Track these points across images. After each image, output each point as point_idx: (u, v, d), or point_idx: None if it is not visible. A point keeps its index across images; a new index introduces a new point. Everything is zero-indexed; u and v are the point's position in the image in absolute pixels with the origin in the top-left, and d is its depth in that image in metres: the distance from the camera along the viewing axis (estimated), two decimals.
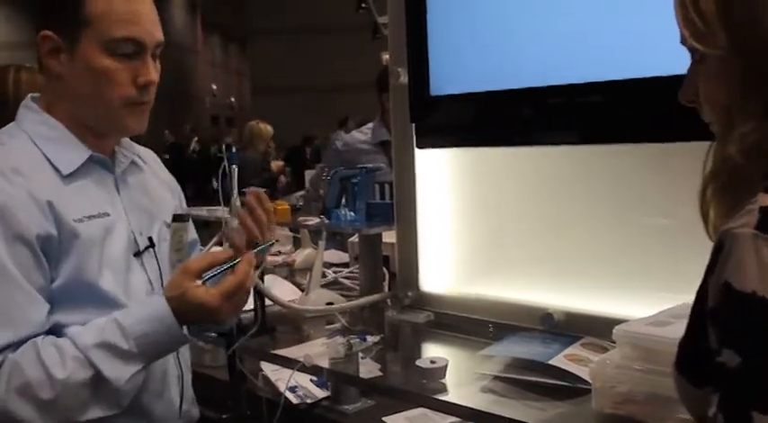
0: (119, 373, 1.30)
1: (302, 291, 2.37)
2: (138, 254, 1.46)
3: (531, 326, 1.81)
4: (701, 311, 0.88)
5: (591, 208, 1.79)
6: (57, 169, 1.38)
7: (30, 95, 1.47)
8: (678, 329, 0.97)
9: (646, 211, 1.68)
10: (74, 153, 1.41)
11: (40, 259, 1.31)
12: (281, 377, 2.00)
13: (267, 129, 7.89)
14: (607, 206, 1.76)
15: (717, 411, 0.82)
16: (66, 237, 1.33)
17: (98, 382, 1.29)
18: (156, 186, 1.59)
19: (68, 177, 1.38)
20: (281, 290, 2.39)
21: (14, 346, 1.28)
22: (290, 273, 2.87)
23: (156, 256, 1.50)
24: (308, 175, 4.13)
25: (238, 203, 2.32)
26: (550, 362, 1.52)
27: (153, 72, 1.41)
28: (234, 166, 2.29)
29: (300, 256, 2.98)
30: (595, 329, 1.65)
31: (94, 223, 1.38)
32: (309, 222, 2.48)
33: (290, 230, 3.22)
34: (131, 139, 1.57)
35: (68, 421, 1.29)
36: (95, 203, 1.40)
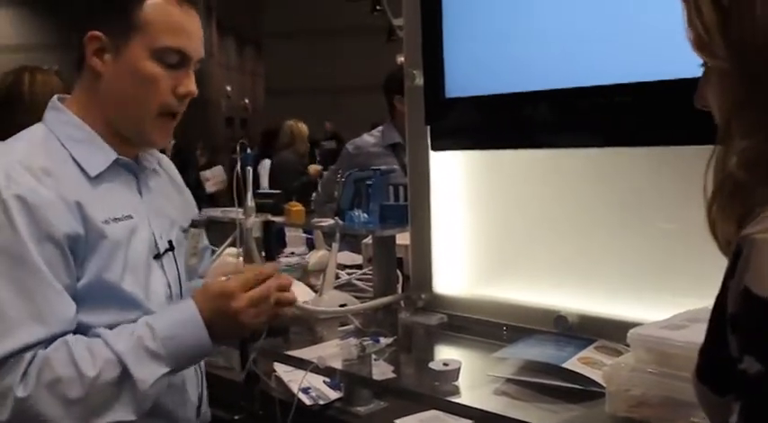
0: (146, 374, 1.32)
1: (316, 292, 2.37)
2: (157, 256, 1.48)
3: (544, 328, 1.80)
4: (720, 318, 0.87)
5: (606, 211, 1.78)
6: (84, 171, 1.39)
7: (56, 96, 1.48)
8: (693, 333, 0.96)
9: (661, 215, 1.67)
10: (101, 155, 1.43)
11: (68, 258, 1.32)
12: (293, 378, 2.00)
13: (305, 129, 7.48)
14: (622, 209, 1.75)
15: (738, 420, 0.81)
16: (92, 237, 1.35)
17: (125, 382, 1.31)
18: (173, 192, 1.63)
19: (95, 179, 1.40)
20: (294, 291, 2.39)
21: (45, 342, 1.28)
22: (304, 274, 2.87)
23: (175, 259, 1.53)
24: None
25: (252, 204, 2.34)
26: (564, 365, 1.52)
27: (193, 84, 1.46)
28: (248, 167, 2.31)
29: (314, 258, 2.98)
30: (609, 332, 1.65)
31: (120, 225, 1.40)
32: (323, 224, 2.48)
33: (304, 232, 3.23)
34: None
35: (89, 418, 1.30)
36: (120, 206, 1.43)
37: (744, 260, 0.82)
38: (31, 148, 1.39)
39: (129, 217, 1.43)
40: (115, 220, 1.40)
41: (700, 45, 0.93)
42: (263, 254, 2.43)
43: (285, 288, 1.48)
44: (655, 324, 1.39)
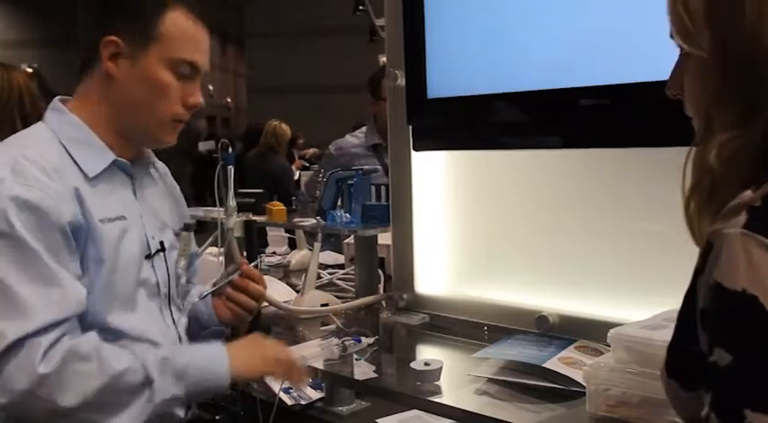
0: (165, 388, 1.36)
1: (297, 292, 2.36)
2: (149, 256, 1.51)
3: (525, 329, 1.81)
4: (689, 314, 0.88)
5: (586, 211, 1.79)
6: (82, 171, 1.42)
7: (57, 97, 1.51)
8: (672, 333, 0.97)
9: (641, 216, 1.68)
10: (99, 156, 1.45)
11: (72, 245, 1.35)
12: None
13: (288, 130, 7.15)
14: (602, 210, 1.76)
15: (709, 411, 0.82)
16: (91, 232, 1.39)
17: (143, 388, 1.34)
18: (167, 196, 1.66)
19: (93, 179, 1.43)
20: (275, 291, 2.38)
21: (62, 323, 1.31)
22: (285, 274, 2.87)
23: (165, 260, 1.56)
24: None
25: (233, 204, 2.33)
26: (545, 365, 1.52)
27: (200, 96, 1.52)
28: (230, 166, 2.30)
29: (296, 258, 2.98)
30: (590, 332, 1.66)
31: (113, 225, 1.43)
32: (305, 223, 2.48)
33: (286, 231, 3.23)
34: None
35: (92, 419, 1.32)
36: (115, 206, 1.45)
37: (714, 255, 0.83)
38: (33, 144, 1.42)
39: (123, 217, 1.46)
40: (109, 220, 1.43)
41: (682, 33, 0.93)
42: (245, 253, 2.42)
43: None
44: (635, 324, 1.40)
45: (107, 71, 1.44)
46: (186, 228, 1.65)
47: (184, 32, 1.47)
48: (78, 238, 1.37)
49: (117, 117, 1.47)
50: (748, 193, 0.85)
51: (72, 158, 1.42)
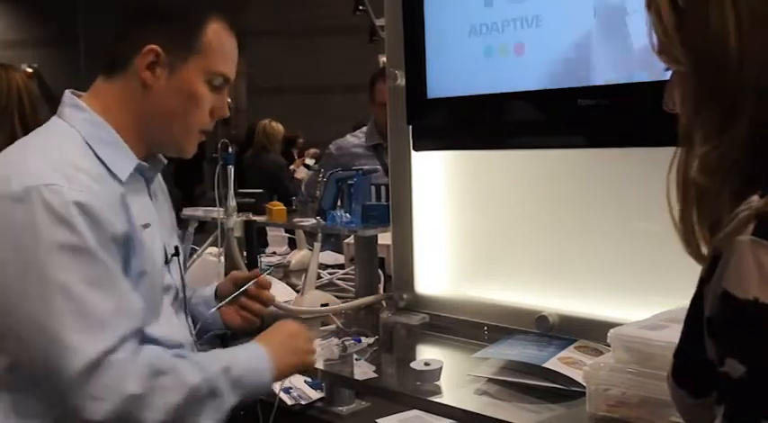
0: (229, 398, 1.35)
1: (297, 292, 2.36)
2: (166, 262, 1.49)
3: (525, 328, 1.81)
4: (696, 322, 0.87)
5: (587, 211, 1.79)
6: (113, 174, 1.37)
7: (69, 92, 1.44)
8: (672, 333, 0.97)
9: (641, 215, 1.68)
10: (125, 159, 1.41)
11: (122, 255, 1.32)
12: None
13: (280, 128, 7.15)
14: (603, 210, 1.76)
15: None
16: (134, 244, 1.35)
17: (213, 400, 1.33)
18: (167, 197, 1.64)
19: (123, 184, 1.38)
20: (275, 291, 2.38)
21: (135, 334, 1.28)
22: (285, 274, 2.87)
23: (179, 265, 1.55)
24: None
25: (233, 204, 2.33)
26: (545, 365, 1.52)
27: (227, 107, 1.50)
28: (230, 166, 2.30)
29: (296, 258, 2.98)
30: (590, 332, 1.66)
31: (146, 233, 1.40)
32: (305, 223, 2.48)
33: (286, 231, 3.23)
34: None
35: None
36: (142, 213, 1.42)
37: (723, 263, 0.82)
38: (68, 147, 1.35)
39: (148, 224, 1.43)
40: (143, 227, 1.39)
41: (661, 49, 0.93)
42: (245, 253, 2.42)
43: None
44: (635, 324, 1.40)
45: (143, 79, 1.40)
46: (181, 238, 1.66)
47: (224, 45, 1.45)
48: (126, 249, 1.33)
49: (144, 124, 1.43)
50: (755, 199, 0.84)
51: (101, 161, 1.37)
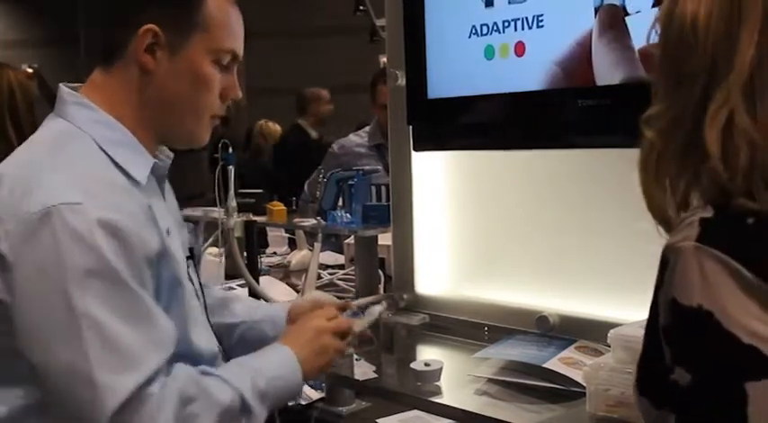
0: (259, 413, 1.26)
1: (297, 292, 2.37)
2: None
3: (526, 329, 1.81)
4: (654, 329, 0.87)
5: (587, 211, 1.79)
6: (132, 179, 1.24)
7: (66, 87, 1.30)
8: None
9: (642, 215, 1.67)
10: (141, 160, 1.27)
11: (153, 274, 1.21)
12: None
13: (277, 128, 6.95)
14: (603, 210, 1.76)
15: None
16: (164, 255, 1.23)
17: (243, 416, 1.24)
18: (169, 192, 1.48)
19: (143, 188, 1.25)
20: (276, 291, 2.39)
21: (165, 365, 1.17)
22: (286, 274, 2.87)
23: (195, 267, 1.43)
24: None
25: (234, 204, 2.33)
26: (545, 365, 1.52)
27: (239, 88, 1.37)
28: (230, 166, 2.30)
29: (296, 258, 2.98)
30: (590, 333, 1.66)
31: (171, 239, 1.28)
32: (305, 223, 2.48)
33: (286, 231, 3.23)
34: None
35: None
36: (163, 216, 1.28)
37: (669, 270, 0.82)
38: (83, 154, 1.22)
39: (169, 230, 1.29)
40: (167, 233, 1.27)
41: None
42: (245, 254, 2.42)
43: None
44: (635, 324, 1.40)
45: (143, 64, 1.25)
46: (191, 230, 1.53)
47: (228, 19, 1.30)
48: (157, 267, 1.20)
49: (151, 115, 1.29)
50: (701, 207, 0.84)
51: (117, 165, 1.23)
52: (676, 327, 0.82)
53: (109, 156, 1.23)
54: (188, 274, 1.36)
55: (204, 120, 1.33)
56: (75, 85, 1.32)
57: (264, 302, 1.66)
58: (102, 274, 1.11)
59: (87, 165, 1.20)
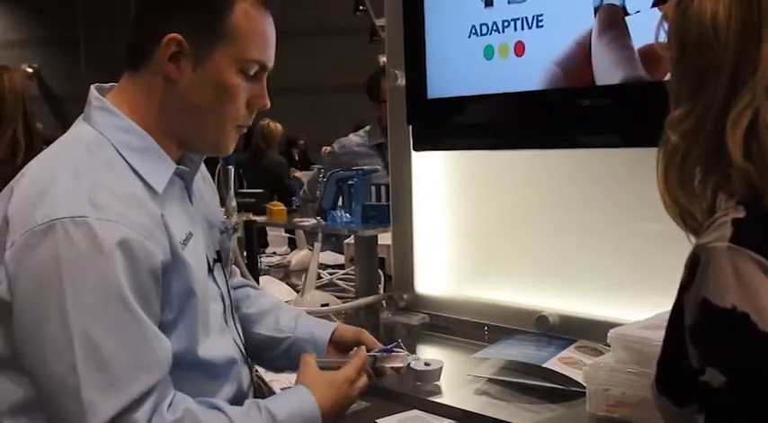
0: None
1: (297, 292, 2.37)
2: (210, 270, 1.34)
3: (525, 329, 1.81)
4: (678, 329, 0.87)
5: (587, 212, 1.79)
6: (150, 187, 1.21)
7: (95, 88, 1.29)
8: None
9: (641, 215, 1.68)
10: (161, 166, 1.25)
11: (160, 288, 1.18)
12: (276, 378, 1.99)
13: (278, 128, 6.91)
14: (603, 210, 1.76)
15: None
16: (176, 266, 1.21)
17: None
18: (207, 191, 1.47)
19: (161, 196, 1.22)
20: (276, 291, 2.39)
21: (155, 389, 1.13)
22: (286, 274, 2.87)
23: (223, 270, 1.41)
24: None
25: (234, 204, 2.33)
26: (545, 365, 1.52)
27: (267, 97, 1.33)
28: (230, 166, 2.30)
29: (296, 258, 2.98)
30: (590, 332, 1.66)
31: (189, 248, 1.25)
32: (305, 223, 2.48)
33: (286, 231, 3.23)
34: None
35: None
36: (183, 223, 1.26)
37: (701, 270, 0.82)
38: (100, 161, 1.19)
39: (191, 234, 1.27)
40: (184, 242, 1.24)
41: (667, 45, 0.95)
42: (245, 253, 2.42)
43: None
44: (635, 324, 1.40)
45: (166, 73, 1.23)
46: (225, 230, 1.47)
47: (255, 27, 1.26)
48: (164, 276, 1.18)
49: (174, 122, 1.27)
50: (733, 207, 0.84)
51: (135, 172, 1.21)
52: (708, 328, 0.81)
53: (128, 163, 1.21)
54: (213, 277, 1.34)
55: (228, 129, 1.30)
56: (106, 85, 1.32)
57: (312, 317, 1.61)
58: (101, 291, 1.10)
59: (101, 174, 1.18)
